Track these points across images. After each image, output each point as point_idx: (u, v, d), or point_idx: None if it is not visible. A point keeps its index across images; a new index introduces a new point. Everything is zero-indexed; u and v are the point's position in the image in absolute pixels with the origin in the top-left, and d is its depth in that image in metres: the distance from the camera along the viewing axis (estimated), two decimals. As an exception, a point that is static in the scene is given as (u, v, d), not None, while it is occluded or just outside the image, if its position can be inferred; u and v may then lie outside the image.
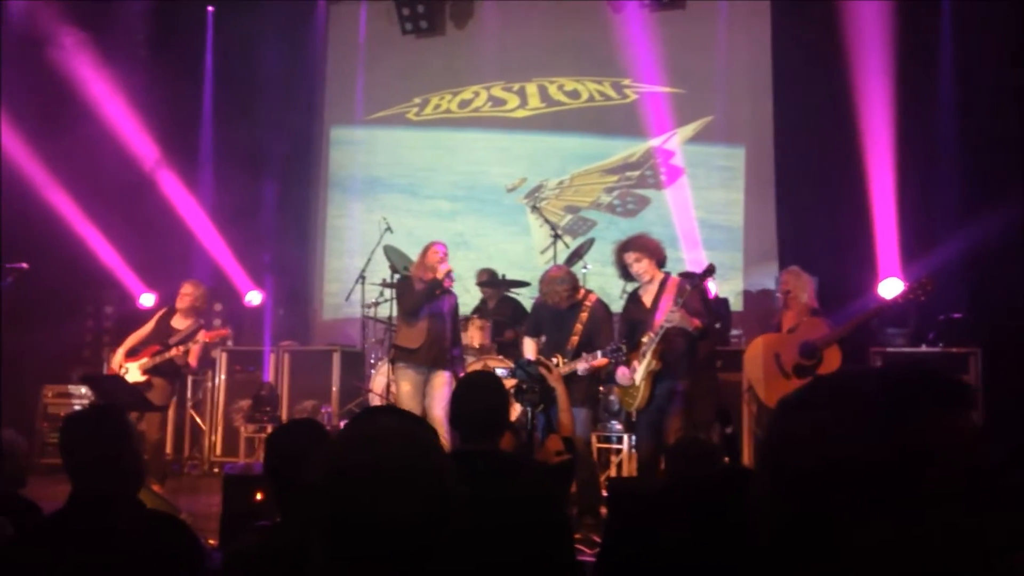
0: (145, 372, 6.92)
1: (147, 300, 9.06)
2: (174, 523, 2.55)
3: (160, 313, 7.31)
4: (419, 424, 1.45)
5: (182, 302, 7.20)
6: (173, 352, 6.91)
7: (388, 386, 7.81)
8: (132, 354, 7.04)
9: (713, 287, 8.07)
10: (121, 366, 6.99)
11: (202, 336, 7.02)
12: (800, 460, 0.92)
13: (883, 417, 0.91)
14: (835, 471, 0.90)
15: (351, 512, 1.28)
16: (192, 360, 7.06)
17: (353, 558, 1.29)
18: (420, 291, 6.73)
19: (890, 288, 7.37)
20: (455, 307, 6.98)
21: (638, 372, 5.67)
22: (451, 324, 6.86)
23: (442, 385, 6.66)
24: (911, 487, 0.88)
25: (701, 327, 5.64)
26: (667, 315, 5.56)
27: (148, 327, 7.19)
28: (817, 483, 0.90)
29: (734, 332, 8.37)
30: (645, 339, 5.65)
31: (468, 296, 9.03)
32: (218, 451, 8.80)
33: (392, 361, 7.02)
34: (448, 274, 6.76)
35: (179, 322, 7.19)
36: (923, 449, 0.90)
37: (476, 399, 3.15)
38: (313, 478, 1.33)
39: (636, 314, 5.86)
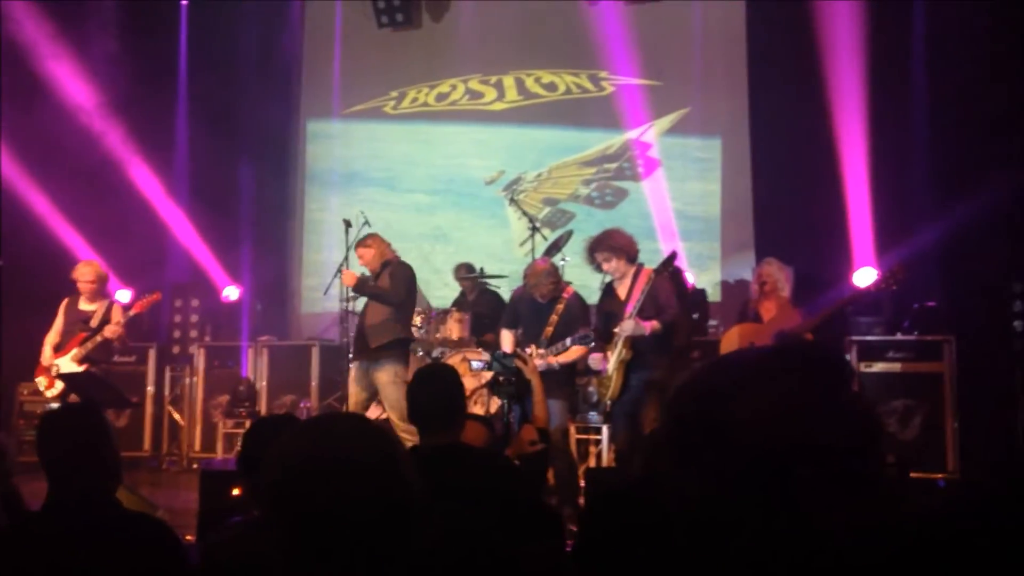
0: (81, 361, 6.77)
1: (123, 296, 8.99)
2: (152, 523, 2.55)
3: (64, 303, 7.09)
4: (364, 417, 1.46)
5: (82, 284, 7.01)
6: (110, 332, 6.78)
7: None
8: (57, 349, 6.89)
9: (689, 278, 8.11)
10: (51, 365, 6.82)
11: (118, 311, 6.89)
12: (761, 439, 0.94)
13: (847, 395, 0.95)
14: (798, 450, 0.92)
15: (308, 506, 1.29)
16: (125, 336, 6.97)
17: (316, 553, 1.30)
18: None
19: (864, 277, 7.44)
20: (391, 280, 6.66)
21: (611, 362, 5.72)
22: (379, 307, 6.62)
23: (386, 383, 6.49)
24: (868, 464, 0.92)
25: (660, 328, 5.65)
26: (620, 325, 5.62)
27: (59, 321, 7.00)
28: (780, 461, 0.92)
29: (711, 322, 8.43)
30: (617, 329, 5.69)
31: (447, 290, 9.05)
32: (196, 447, 8.77)
33: None
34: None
35: (87, 304, 7.02)
36: (875, 428, 0.94)
37: (428, 391, 3.13)
38: (270, 474, 1.34)
39: (610, 306, 5.90)
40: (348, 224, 7.35)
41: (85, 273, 7.04)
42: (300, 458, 1.33)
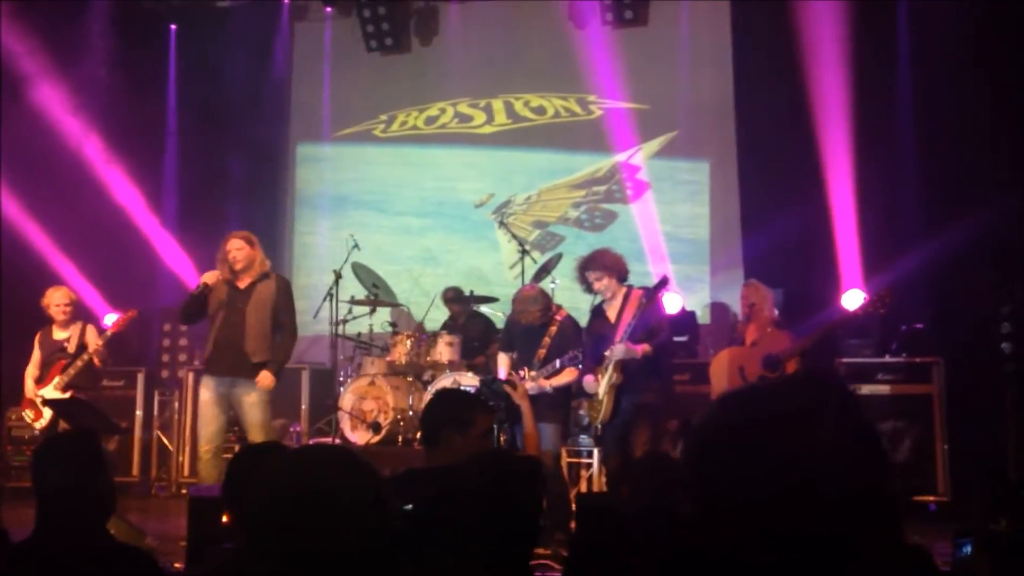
0: (65, 388, 6.56)
1: (110, 320, 8.97)
2: (139, 555, 2.53)
3: (38, 336, 6.85)
4: (351, 451, 1.47)
5: (55, 309, 6.74)
6: (91, 353, 6.57)
7: (359, 403, 7.79)
8: (38, 381, 6.68)
9: (677, 302, 8.13)
10: (35, 397, 6.60)
11: (93, 332, 6.72)
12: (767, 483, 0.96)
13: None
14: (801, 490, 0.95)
15: (293, 538, 1.30)
16: (107, 356, 6.75)
17: None
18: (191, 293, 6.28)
19: (852, 300, 7.46)
20: (274, 293, 6.25)
21: (601, 385, 5.72)
22: (263, 319, 6.16)
23: (254, 403, 6.07)
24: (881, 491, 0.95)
25: (651, 351, 5.67)
26: (611, 348, 5.63)
27: (36, 354, 6.78)
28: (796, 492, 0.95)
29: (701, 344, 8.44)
30: (608, 352, 5.69)
31: (437, 312, 9.04)
32: (186, 472, 8.71)
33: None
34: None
35: (60, 331, 6.79)
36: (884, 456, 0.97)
37: (425, 411, 3.33)
38: (256, 504, 1.34)
39: (600, 328, 5.91)
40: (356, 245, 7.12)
41: (57, 298, 6.78)
42: (286, 490, 1.34)
